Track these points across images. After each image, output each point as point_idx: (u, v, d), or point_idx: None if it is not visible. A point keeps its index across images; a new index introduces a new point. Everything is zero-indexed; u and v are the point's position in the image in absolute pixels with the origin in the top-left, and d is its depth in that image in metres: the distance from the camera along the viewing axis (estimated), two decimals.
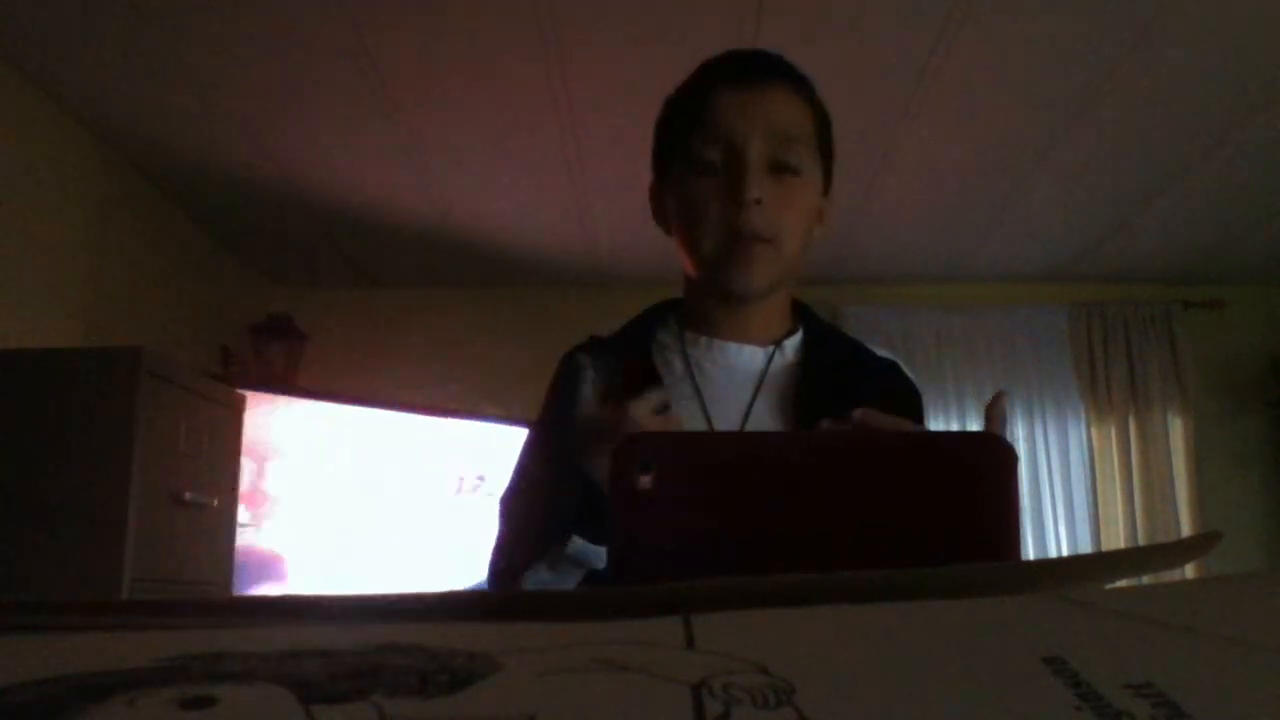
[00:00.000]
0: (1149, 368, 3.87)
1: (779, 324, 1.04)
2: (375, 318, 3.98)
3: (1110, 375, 3.89)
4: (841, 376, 1.00)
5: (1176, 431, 3.85)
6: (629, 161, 2.93)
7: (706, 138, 0.95)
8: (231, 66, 2.47)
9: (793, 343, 1.03)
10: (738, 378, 0.99)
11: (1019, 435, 3.84)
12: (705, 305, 1.02)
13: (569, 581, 0.87)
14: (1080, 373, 3.91)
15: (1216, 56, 2.43)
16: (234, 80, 2.54)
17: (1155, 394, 3.85)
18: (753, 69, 0.97)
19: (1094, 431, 3.89)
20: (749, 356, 1.01)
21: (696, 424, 0.95)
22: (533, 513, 0.95)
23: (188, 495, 2.26)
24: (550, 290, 3.98)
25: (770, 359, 1.01)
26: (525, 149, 2.90)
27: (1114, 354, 3.91)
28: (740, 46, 1.03)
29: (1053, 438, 3.87)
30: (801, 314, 1.07)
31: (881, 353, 1.06)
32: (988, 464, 0.45)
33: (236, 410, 2.57)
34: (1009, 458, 0.45)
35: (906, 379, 1.04)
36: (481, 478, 3.51)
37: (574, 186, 3.15)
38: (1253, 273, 3.88)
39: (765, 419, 0.97)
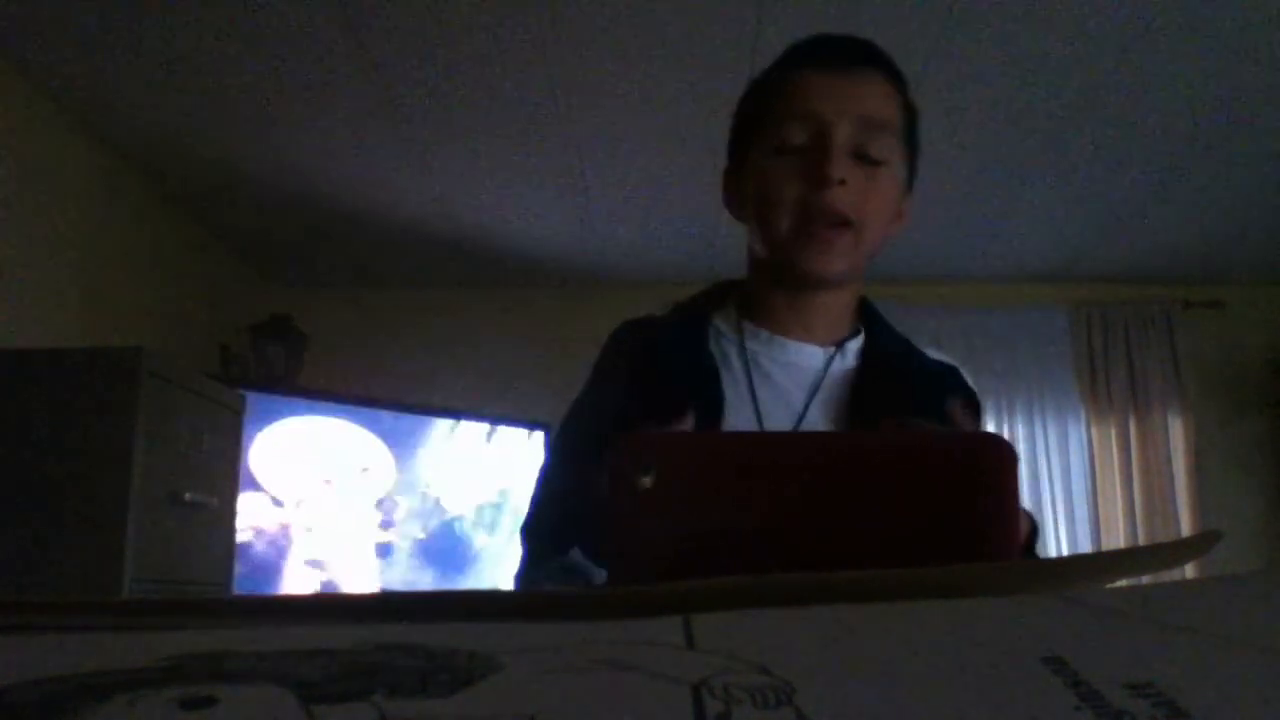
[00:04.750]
0: (1149, 368, 3.87)
1: (843, 323, 0.99)
2: (375, 318, 3.98)
3: (1110, 375, 3.89)
4: (899, 383, 0.95)
5: (1176, 432, 3.85)
6: (630, 162, 2.95)
7: (791, 119, 0.91)
8: (232, 66, 2.48)
9: (854, 345, 0.98)
10: (795, 379, 0.95)
11: (1019, 435, 3.84)
12: (770, 294, 0.98)
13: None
14: (1080, 373, 3.91)
15: (1216, 57, 2.43)
16: (235, 80, 2.54)
17: (1155, 394, 3.85)
18: (845, 53, 0.94)
19: (1094, 431, 3.89)
20: (808, 356, 0.96)
21: (749, 425, 0.91)
22: (554, 530, 0.91)
23: (188, 495, 2.26)
24: (550, 290, 3.98)
25: (829, 362, 0.96)
26: (526, 149, 2.90)
27: (1114, 354, 3.90)
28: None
29: (1053, 438, 3.87)
30: (865, 315, 1.02)
31: (939, 356, 1.02)
32: (988, 464, 0.45)
33: (236, 410, 2.57)
34: (1009, 458, 0.45)
35: (965, 384, 1.00)
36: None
37: (575, 187, 3.15)
38: (1253, 273, 3.88)
39: (818, 425, 0.92)
